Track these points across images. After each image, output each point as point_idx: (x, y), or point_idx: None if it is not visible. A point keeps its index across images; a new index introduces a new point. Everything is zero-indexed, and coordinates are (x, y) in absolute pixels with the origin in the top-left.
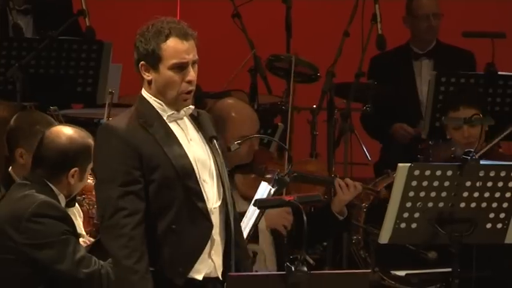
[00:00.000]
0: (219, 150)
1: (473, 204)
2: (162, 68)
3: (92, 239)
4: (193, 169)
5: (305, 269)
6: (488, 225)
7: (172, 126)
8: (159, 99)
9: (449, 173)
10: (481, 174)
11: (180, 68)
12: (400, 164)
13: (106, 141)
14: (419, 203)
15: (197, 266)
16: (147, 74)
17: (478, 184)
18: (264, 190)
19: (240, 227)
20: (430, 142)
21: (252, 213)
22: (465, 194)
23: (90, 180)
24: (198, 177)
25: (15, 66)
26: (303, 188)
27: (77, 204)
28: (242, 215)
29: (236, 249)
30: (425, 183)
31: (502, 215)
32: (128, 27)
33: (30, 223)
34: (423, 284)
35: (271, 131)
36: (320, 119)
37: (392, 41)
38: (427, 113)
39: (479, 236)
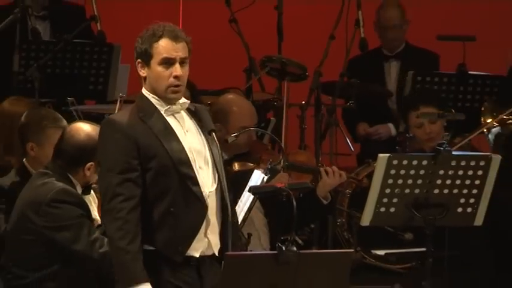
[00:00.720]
0: (216, 141)
1: (445, 191)
2: (153, 64)
3: None
4: (187, 157)
5: (294, 248)
6: (459, 210)
7: (170, 119)
8: (156, 96)
9: (424, 162)
10: (453, 163)
11: (168, 63)
12: (380, 155)
13: (108, 134)
14: (397, 190)
15: (194, 244)
16: (142, 71)
17: (450, 172)
18: (257, 178)
19: (235, 209)
20: (407, 135)
21: (246, 198)
22: (438, 182)
23: None
24: (193, 164)
25: (34, 67)
26: (293, 176)
27: (92, 192)
28: None
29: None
30: (402, 172)
31: (472, 200)
32: (135, 30)
33: (49, 207)
34: (400, 262)
35: (264, 124)
36: (308, 114)
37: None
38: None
39: (451, 219)
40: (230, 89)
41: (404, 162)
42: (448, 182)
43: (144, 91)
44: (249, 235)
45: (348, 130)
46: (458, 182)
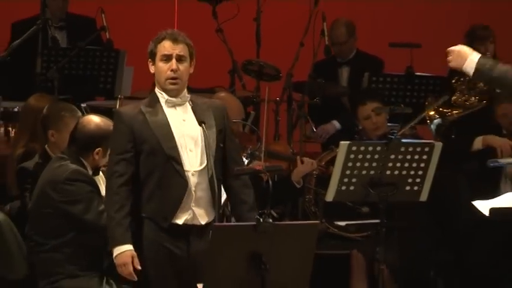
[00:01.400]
0: (205, 130)
1: (396, 172)
2: (157, 61)
3: None
4: (174, 141)
5: (270, 220)
6: (407, 188)
7: (171, 110)
8: (161, 90)
9: (378, 148)
10: (402, 149)
11: (166, 59)
12: (341, 142)
13: (115, 123)
14: (355, 171)
15: (178, 213)
16: (152, 68)
17: (399, 157)
18: None
19: (221, 186)
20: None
21: None
22: (390, 164)
23: None
24: (181, 147)
25: (53, 69)
26: (272, 163)
27: (101, 173)
28: None
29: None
30: (360, 156)
31: (418, 180)
32: (139, 37)
33: (64, 185)
34: (358, 232)
35: (246, 117)
36: (282, 108)
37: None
38: None
39: (400, 195)
40: (216, 88)
41: (362, 148)
42: (398, 164)
43: (156, 87)
44: None
45: (313, 121)
46: (406, 164)
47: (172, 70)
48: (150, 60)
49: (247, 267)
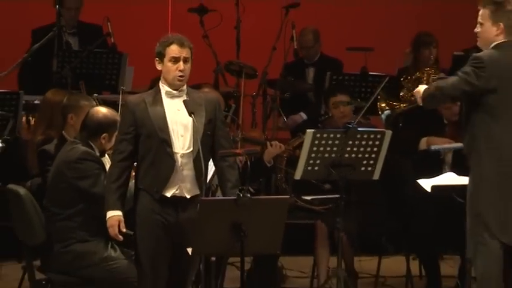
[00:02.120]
0: (194, 120)
1: (353, 155)
2: (165, 61)
3: None
4: (167, 127)
5: (248, 195)
6: (362, 168)
7: (170, 100)
8: (164, 83)
9: (338, 135)
10: (358, 136)
11: (175, 61)
12: (307, 130)
13: (122, 110)
14: (319, 154)
15: (167, 188)
16: (159, 66)
17: (356, 143)
18: None
19: (207, 166)
20: (326, 116)
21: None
22: (348, 149)
23: None
24: (173, 132)
25: (67, 68)
26: (248, 146)
27: (106, 155)
28: None
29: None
30: (323, 142)
31: (371, 162)
32: (139, 42)
33: (76, 164)
34: (321, 205)
35: (227, 109)
36: (258, 101)
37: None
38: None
39: (356, 175)
40: (203, 84)
41: (324, 135)
42: (355, 149)
43: (160, 81)
44: (217, 186)
45: (284, 112)
46: (361, 149)
47: (180, 70)
48: (157, 59)
49: (229, 234)
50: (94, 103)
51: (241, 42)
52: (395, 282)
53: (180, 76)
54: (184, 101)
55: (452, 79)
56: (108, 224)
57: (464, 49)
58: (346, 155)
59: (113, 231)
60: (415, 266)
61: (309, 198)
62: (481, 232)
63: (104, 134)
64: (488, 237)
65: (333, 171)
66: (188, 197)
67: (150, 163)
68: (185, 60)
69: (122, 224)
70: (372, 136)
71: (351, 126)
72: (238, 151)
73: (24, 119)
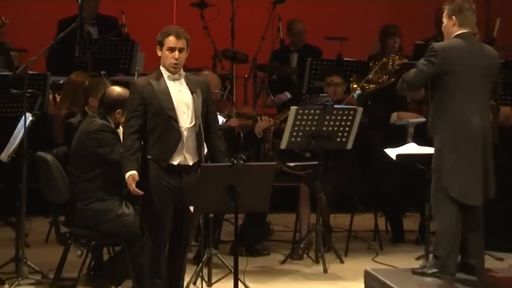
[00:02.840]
0: (196, 98)
1: (330, 128)
2: (164, 50)
3: None
4: (173, 105)
5: (241, 162)
6: (338, 139)
7: (171, 82)
8: (164, 68)
9: (317, 111)
10: (334, 112)
11: (171, 50)
12: (292, 106)
13: (131, 90)
14: (301, 127)
15: (174, 157)
16: (159, 52)
17: (333, 117)
18: (219, 120)
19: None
20: (307, 95)
21: None
22: (326, 123)
23: None
24: (177, 109)
25: (88, 54)
26: (241, 120)
27: (120, 127)
28: None
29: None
30: (305, 117)
31: (345, 134)
32: (149, 32)
33: (95, 134)
34: (303, 170)
35: (223, 89)
36: (249, 83)
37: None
38: (305, 80)
39: (333, 144)
40: (203, 68)
41: (306, 111)
42: (331, 123)
43: (161, 65)
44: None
45: (271, 92)
46: (337, 123)
47: (175, 59)
48: (158, 47)
49: (225, 194)
50: (109, 86)
51: (235, 32)
52: (365, 235)
53: (175, 64)
54: (186, 82)
55: (413, 72)
56: (128, 181)
57: (424, 39)
58: (324, 128)
59: (131, 187)
60: (382, 222)
61: (292, 164)
62: (442, 193)
63: (119, 110)
64: (448, 197)
65: (313, 141)
66: (191, 164)
67: (158, 136)
68: (180, 50)
69: (137, 178)
70: (345, 112)
71: (328, 104)
72: (233, 124)
73: (51, 96)
